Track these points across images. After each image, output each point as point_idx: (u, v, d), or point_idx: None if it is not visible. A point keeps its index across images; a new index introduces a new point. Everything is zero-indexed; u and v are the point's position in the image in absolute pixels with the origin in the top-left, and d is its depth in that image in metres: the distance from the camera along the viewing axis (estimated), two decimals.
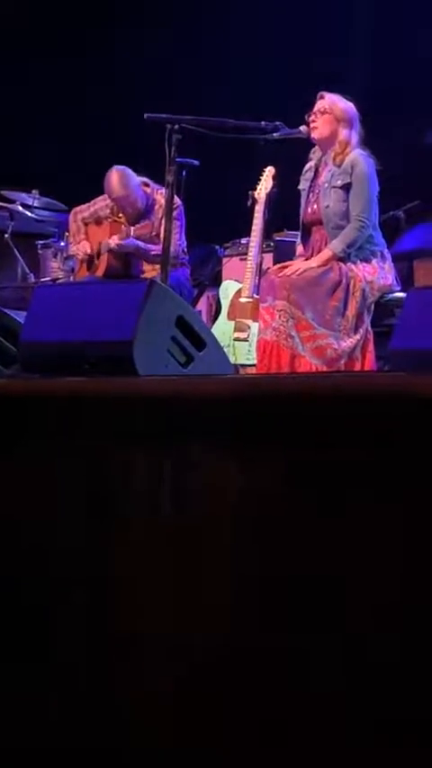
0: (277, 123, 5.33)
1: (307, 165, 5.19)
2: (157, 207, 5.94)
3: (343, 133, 5.03)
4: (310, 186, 5.12)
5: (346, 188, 4.95)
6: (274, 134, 5.32)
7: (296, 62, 7.19)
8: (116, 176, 5.95)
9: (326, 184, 5.01)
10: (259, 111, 5.48)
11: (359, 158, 4.98)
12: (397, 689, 1.74)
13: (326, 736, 1.80)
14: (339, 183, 4.96)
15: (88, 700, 2.10)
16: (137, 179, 5.98)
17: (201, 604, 1.98)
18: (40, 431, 2.22)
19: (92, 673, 2.11)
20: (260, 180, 5.53)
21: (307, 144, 5.20)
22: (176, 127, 5.10)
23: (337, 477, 1.84)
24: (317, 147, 5.16)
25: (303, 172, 5.20)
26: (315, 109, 5.08)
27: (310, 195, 5.11)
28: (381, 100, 6.34)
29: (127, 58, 8.04)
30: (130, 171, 5.99)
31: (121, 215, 6.08)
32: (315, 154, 5.18)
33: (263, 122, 5.34)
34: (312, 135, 5.09)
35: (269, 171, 5.54)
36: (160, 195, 5.79)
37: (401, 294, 4.88)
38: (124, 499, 2.09)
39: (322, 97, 5.10)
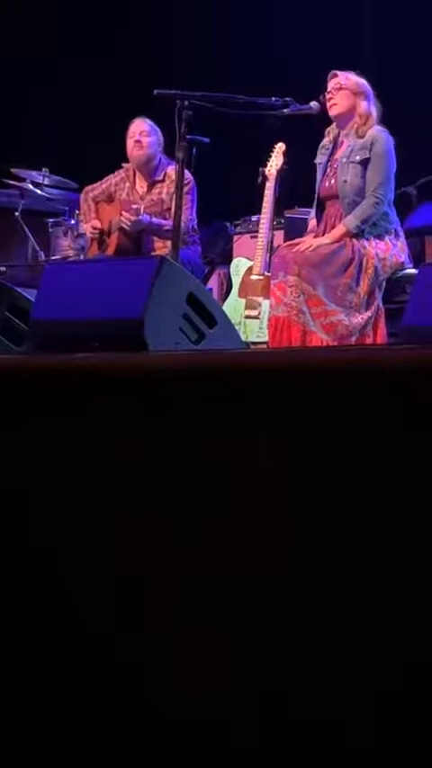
0: (288, 99, 5.31)
1: (323, 141, 5.16)
2: (168, 181, 5.90)
3: (362, 105, 5.00)
4: (328, 161, 5.10)
5: (365, 164, 4.92)
6: (285, 110, 5.30)
7: (307, 37, 7.15)
8: (146, 121, 5.92)
9: (344, 159, 4.98)
10: (269, 87, 5.45)
11: (380, 134, 4.96)
12: None
13: None
14: (358, 158, 4.93)
15: None
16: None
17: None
18: (50, 408, 2.21)
19: None
20: (270, 156, 5.50)
21: (318, 120, 5.17)
22: (186, 103, 5.08)
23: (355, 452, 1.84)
24: (333, 124, 5.12)
25: (320, 147, 5.16)
26: (330, 87, 5.04)
27: (328, 169, 5.08)
28: (392, 76, 6.30)
29: (137, 34, 8.00)
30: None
31: (132, 190, 6.04)
32: (331, 132, 5.14)
33: (273, 98, 5.32)
34: (331, 112, 5.05)
35: (279, 147, 5.50)
36: (172, 170, 5.76)
37: (413, 271, 4.86)
38: (137, 476, 2.09)
39: (335, 75, 5.06)
